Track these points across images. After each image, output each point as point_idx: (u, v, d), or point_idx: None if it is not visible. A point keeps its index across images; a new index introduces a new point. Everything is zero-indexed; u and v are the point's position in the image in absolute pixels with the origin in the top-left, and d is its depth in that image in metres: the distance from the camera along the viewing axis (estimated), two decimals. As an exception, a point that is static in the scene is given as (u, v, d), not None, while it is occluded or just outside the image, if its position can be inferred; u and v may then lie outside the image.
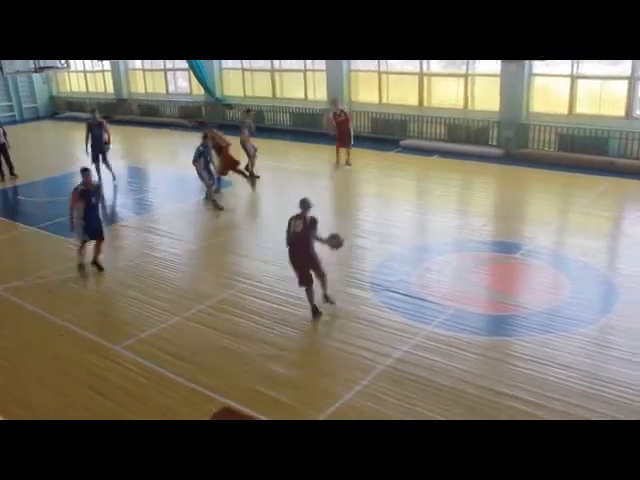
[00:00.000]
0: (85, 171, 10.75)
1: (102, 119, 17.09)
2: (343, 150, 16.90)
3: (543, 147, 16.93)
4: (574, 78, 16.44)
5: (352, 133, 17.04)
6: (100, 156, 16.39)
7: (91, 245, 10.77)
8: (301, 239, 8.59)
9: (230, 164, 15.01)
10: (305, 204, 8.65)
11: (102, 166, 16.39)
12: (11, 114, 28.81)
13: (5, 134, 17.58)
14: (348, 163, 16.89)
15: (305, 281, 8.70)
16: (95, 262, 10.82)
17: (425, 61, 19.14)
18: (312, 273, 8.69)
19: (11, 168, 17.70)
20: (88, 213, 10.50)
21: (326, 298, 8.92)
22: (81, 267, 10.64)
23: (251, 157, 16.14)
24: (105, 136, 16.51)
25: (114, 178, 16.50)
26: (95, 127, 16.49)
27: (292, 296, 9.34)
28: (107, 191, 15.59)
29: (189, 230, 13.20)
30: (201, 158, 13.91)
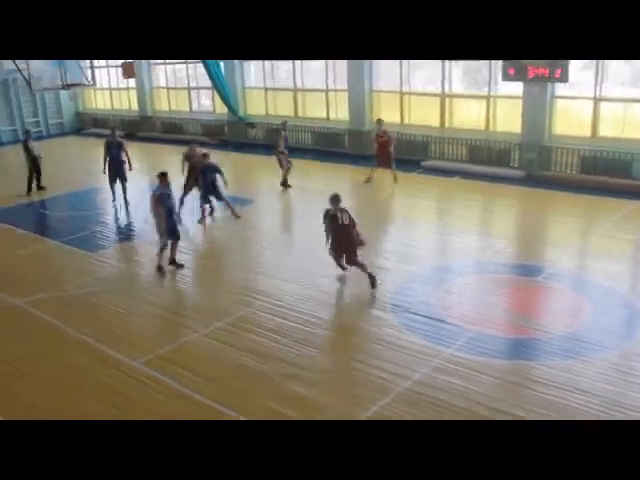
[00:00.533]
0: (163, 175, 11.25)
1: (121, 139, 16.62)
2: (380, 171, 17.03)
3: (565, 169, 16.81)
4: (597, 100, 16.36)
5: (392, 155, 16.93)
6: (118, 178, 15.95)
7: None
8: (350, 229, 9.95)
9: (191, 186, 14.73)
10: (340, 198, 10.12)
11: (117, 187, 16.03)
12: (38, 129, 29.23)
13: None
14: (395, 180, 16.99)
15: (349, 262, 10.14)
16: (174, 261, 11.41)
17: (447, 82, 19.18)
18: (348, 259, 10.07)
19: (39, 181, 18.00)
20: (167, 216, 11.06)
21: (372, 281, 9.95)
22: (160, 268, 11.20)
23: (284, 170, 16.62)
24: (124, 156, 16.05)
25: (127, 204, 15.94)
26: (114, 147, 16.03)
27: (312, 315, 9.34)
28: (120, 211, 15.81)
29: (209, 247, 13.27)
30: (199, 177, 14.10)
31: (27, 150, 17.69)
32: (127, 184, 16.00)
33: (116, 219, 15.63)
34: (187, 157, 15.16)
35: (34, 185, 17.84)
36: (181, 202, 14.50)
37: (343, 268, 10.40)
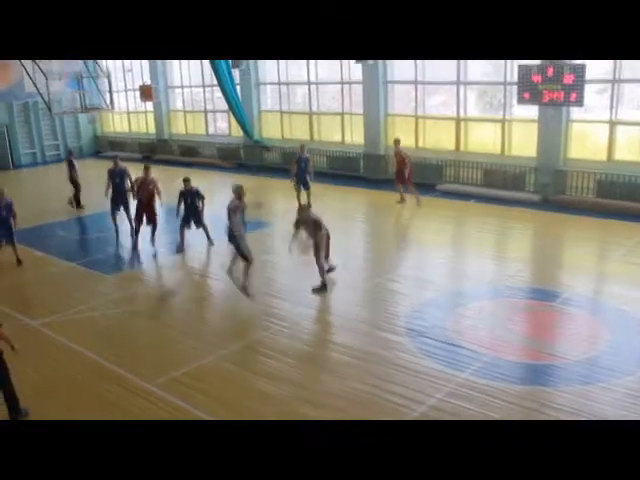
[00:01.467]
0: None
1: (125, 167, 16.00)
2: (400, 187, 17.26)
3: (581, 193, 16.75)
4: (613, 124, 16.33)
5: (408, 177, 17.06)
6: (122, 207, 15.59)
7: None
8: None
9: (149, 213, 14.44)
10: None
11: (119, 217, 15.71)
12: (57, 152, 29.70)
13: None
14: (418, 203, 17.08)
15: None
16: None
17: (462, 106, 19.25)
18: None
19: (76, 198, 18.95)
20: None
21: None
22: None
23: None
24: (127, 184, 15.60)
25: (133, 231, 15.35)
26: (117, 175, 15.59)
27: (327, 339, 9.34)
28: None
29: (224, 270, 13.27)
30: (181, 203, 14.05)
31: (71, 168, 18.70)
32: (131, 213, 15.55)
33: (130, 243, 15.73)
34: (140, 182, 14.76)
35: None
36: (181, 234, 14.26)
37: (330, 269, 11.28)
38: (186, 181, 14.21)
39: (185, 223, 14.15)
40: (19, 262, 13.28)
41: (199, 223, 14.24)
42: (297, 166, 17.18)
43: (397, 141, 17.52)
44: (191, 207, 14.06)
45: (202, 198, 14.14)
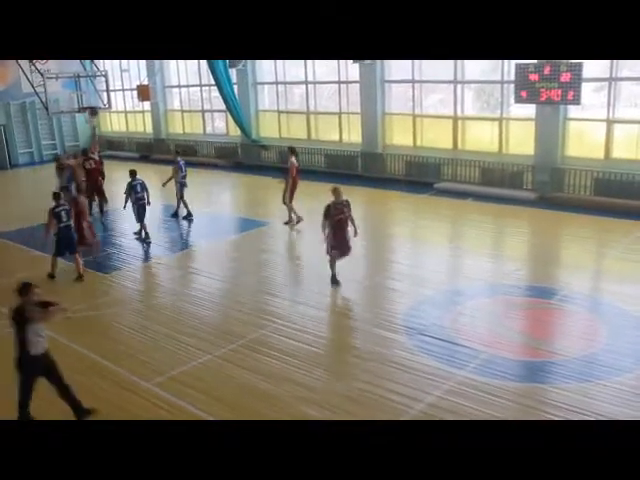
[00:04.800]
0: (56, 194, 12.53)
1: (68, 163, 15.61)
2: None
3: (578, 191, 16.77)
4: (610, 122, 16.35)
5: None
6: None
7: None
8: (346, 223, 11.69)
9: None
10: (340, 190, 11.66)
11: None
12: (54, 152, 29.62)
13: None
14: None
15: None
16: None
17: (459, 105, 19.25)
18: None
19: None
20: (62, 229, 12.22)
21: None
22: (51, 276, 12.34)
23: None
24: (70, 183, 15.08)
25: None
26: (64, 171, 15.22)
27: (325, 338, 9.34)
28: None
29: (222, 269, 13.29)
30: (131, 193, 14.63)
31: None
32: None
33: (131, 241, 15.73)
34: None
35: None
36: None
37: (334, 275, 11.19)
38: (132, 173, 14.78)
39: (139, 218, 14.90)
40: None
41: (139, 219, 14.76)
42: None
43: (292, 150, 15.56)
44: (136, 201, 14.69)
45: (125, 193, 14.70)
